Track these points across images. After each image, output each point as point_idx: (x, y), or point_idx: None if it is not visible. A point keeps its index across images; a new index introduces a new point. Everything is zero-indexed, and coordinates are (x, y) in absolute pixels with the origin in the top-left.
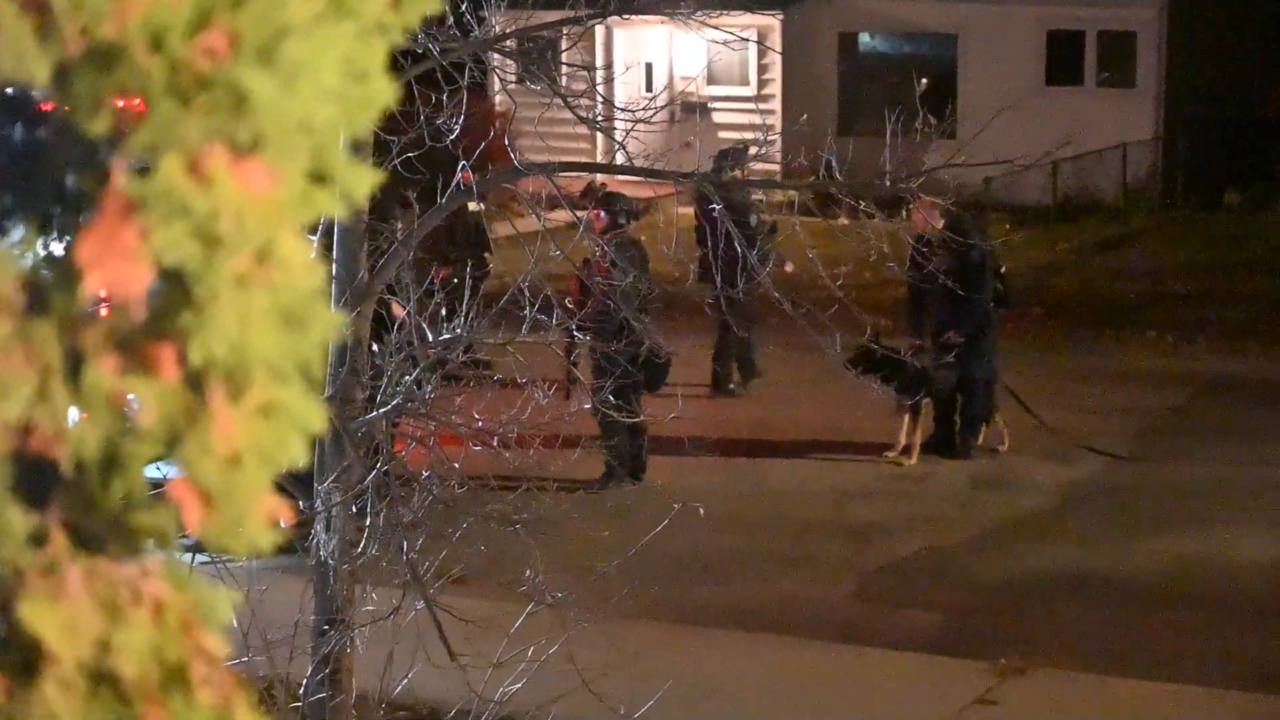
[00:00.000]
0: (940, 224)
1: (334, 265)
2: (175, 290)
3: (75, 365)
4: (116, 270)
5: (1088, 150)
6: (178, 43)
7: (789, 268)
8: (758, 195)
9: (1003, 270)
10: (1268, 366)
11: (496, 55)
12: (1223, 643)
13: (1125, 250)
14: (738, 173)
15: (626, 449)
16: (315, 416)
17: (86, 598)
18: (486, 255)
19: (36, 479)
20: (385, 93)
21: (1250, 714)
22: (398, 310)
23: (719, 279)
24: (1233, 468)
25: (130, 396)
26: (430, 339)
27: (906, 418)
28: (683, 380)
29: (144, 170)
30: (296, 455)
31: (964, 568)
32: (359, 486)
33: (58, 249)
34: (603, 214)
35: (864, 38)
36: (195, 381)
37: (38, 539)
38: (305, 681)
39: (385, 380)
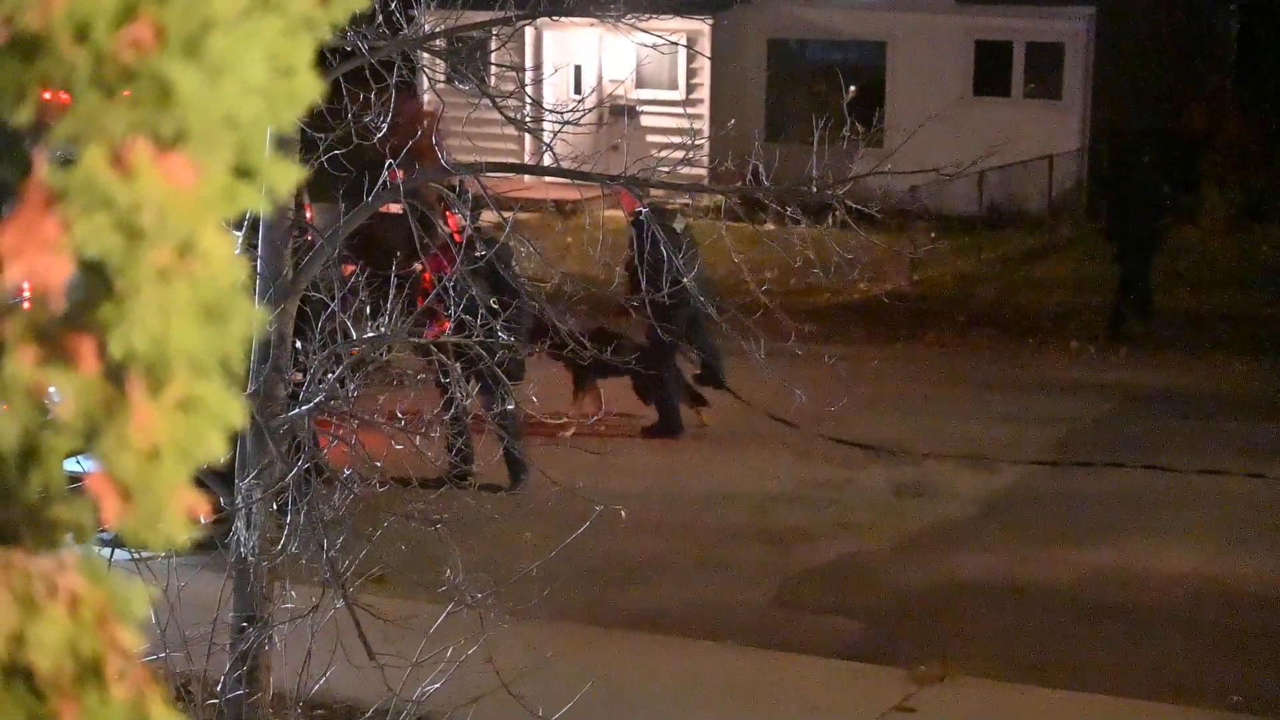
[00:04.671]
0: (633, 209)
1: (258, 261)
2: (96, 282)
3: None
4: (37, 261)
5: (1014, 161)
6: (103, 34)
7: None
8: (685, 200)
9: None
10: (1188, 378)
11: (425, 54)
12: (1139, 653)
13: (1049, 261)
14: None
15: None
16: (235, 412)
17: (1, 591)
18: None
19: None
20: (311, 89)
21: None
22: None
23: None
24: (1151, 478)
25: (50, 389)
26: (354, 336)
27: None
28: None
29: (67, 161)
30: (216, 450)
31: (884, 574)
32: (280, 483)
33: None
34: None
35: (793, 45)
36: (115, 374)
37: None
38: (223, 679)
39: (308, 377)
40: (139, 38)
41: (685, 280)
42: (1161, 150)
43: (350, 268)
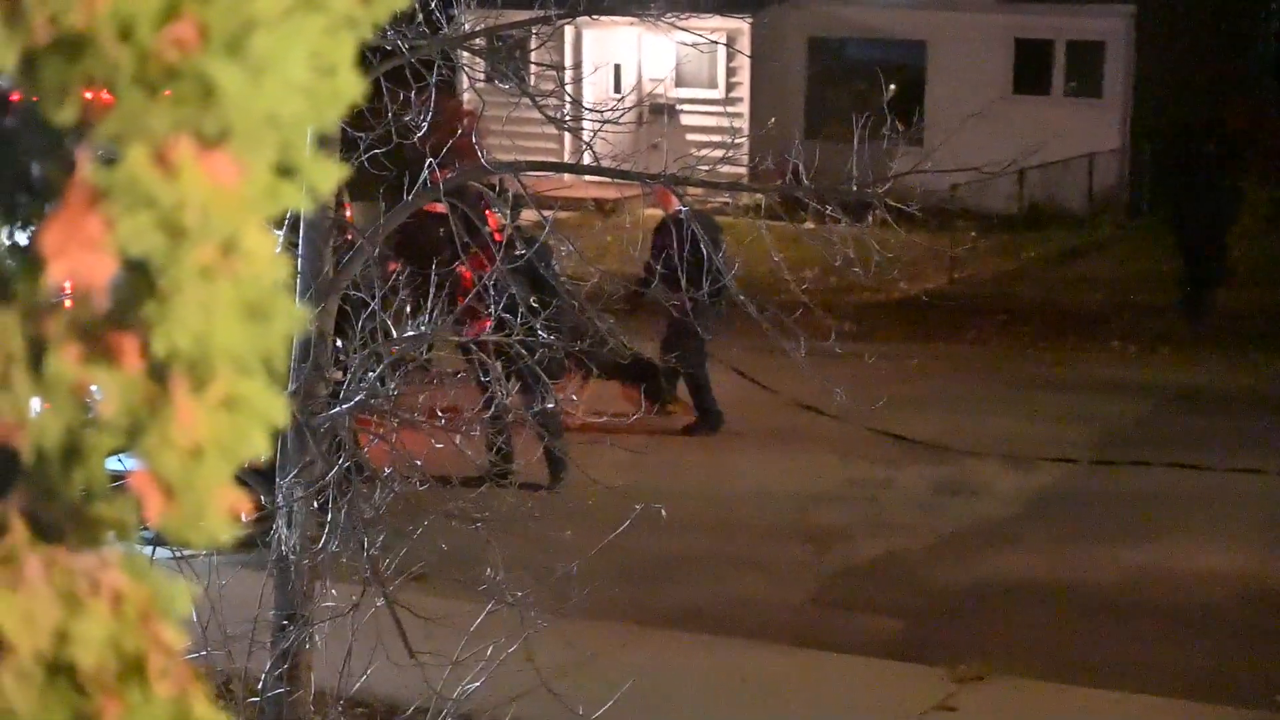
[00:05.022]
0: (673, 208)
1: (299, 260)
2: (139, 281)
3: (37, 354)
4: (80, 259)
5: (1055, 159)
6: (146, 33)
7: None
8: (724, 198)
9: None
10: (1229, 378)
11: (465, 53)
12: (1178, 652)
13: (1090, 260)
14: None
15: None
16: (277, 410)
17: (45, 588)
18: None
19: None
20: (353, 87)
21: None
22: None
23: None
24: (1192, 478)
25: (93, 387)
26: (394, 335)
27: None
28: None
29: (110, 160)
30: (258, 448)
31: (924, 573)
32: (321, 482)
33: (22, 238)
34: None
35: (833, 43)
36: (158, 373)
37: None
38: (264, 677)
39: (349, 376)
40: (182, 36)
41: (727, 279)
42: (1205, 146)
43: (395, 265)
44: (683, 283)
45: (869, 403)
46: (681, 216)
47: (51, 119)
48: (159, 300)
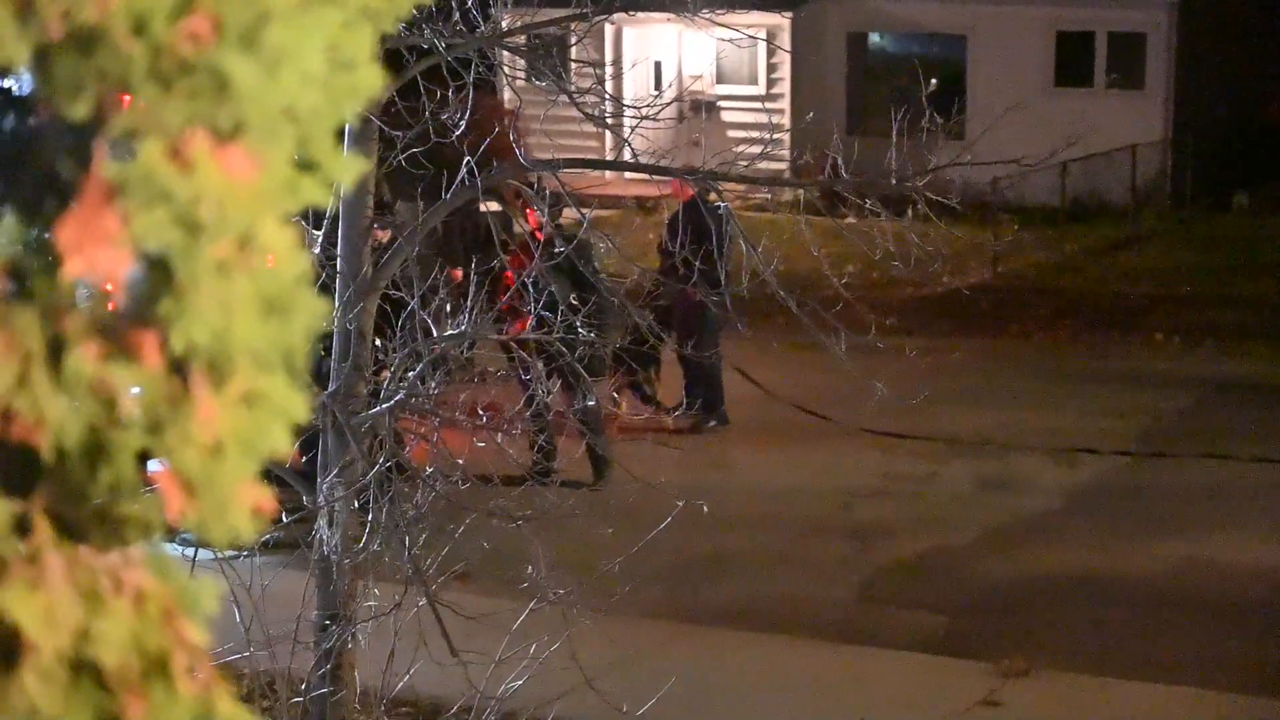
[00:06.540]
0: (687, 198)
1: (338, 260)
2: (157, 276)
3: (57, 352)
4: (97, 255)
5: (1097, 152)
6: (160, 27)
7: None
8: (765, 194)
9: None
10: (1274, 369)
11: (504, 52)
12: (1224, 646)
13: (1133, 252)
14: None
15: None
16: (298, 405)
17: (67, 587)
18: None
19: (18, 467)
20: (373, 81)
21: (1250, 717)
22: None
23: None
24: (1238, 470)
25: (135, 389)
26: (435, 334)
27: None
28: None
29: (126, 155)
30: (279, 444)
31: (968, 568)
32: (362, 482)
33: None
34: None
35: (873, 38)
36: (178, 369)
37: (20, 527)
38: (307, 677)
39: (389, 375)
40: (196, 30)
41: (767, 274)
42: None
43: (458, 273)
44: (680, 269)
45: (910, 397)
46: (720, 211)
47: (66, 115)
48: (176, 296)
